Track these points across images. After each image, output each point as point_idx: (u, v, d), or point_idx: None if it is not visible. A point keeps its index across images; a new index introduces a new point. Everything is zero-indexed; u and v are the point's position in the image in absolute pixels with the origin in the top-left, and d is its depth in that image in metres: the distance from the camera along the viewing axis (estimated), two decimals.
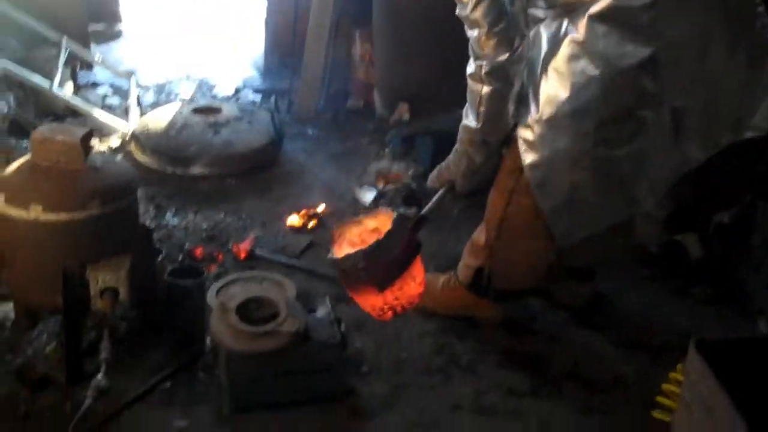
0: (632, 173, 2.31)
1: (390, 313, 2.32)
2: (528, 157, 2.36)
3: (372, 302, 2.32)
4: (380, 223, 2.41)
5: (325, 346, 2.31)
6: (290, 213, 3.35)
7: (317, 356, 2.31)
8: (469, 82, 2.42)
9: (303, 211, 3.34)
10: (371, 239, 2.29)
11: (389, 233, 2.24)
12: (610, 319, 2.85)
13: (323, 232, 3.31)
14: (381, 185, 3.61)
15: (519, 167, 2.40)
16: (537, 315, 2.86)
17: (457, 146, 2.57)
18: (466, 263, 2.69)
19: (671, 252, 3.11)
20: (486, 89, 2.35)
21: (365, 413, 2.35)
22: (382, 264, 2.22)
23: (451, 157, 2.62)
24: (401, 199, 3.52)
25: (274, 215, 3.39)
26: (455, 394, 2.46)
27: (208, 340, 2.40)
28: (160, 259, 2.70)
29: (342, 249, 2.42)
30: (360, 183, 3.67)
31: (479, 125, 2.42)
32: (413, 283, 2.32)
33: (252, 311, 2.33)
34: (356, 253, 2.23)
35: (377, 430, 2.30)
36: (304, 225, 3.30)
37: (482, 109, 2.38)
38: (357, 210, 3.40)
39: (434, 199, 2.59)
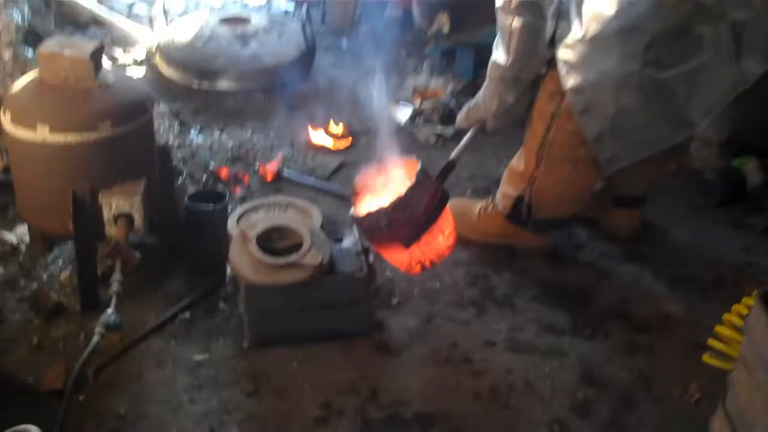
0: (685, 94, 2.15)
1: (418, 267, 2.18)
2: (570, 80, 2.18)
3: (398, 258, 2.17)
4: (406, 171, 2.23)
5: (351, 279, 2.17)
6: (317, 128, 3.16)
7: (342, 290, 2.19)
8: (499, 14, 2.22)
9: (332, 128, 3.15)
10: (396, 190, 2.12)
11: (413, 187, 2.07)
12: (660, 251, 2.66)
13: (356, 152, 3.14)
14: (417, 102, 3.40)
15: (560, 90, 2.23)
16: (582, 246, 2.68)
17: (486, 84, 2.38)
18: (505, 192, 2.53)
19: (728, 179, 2.90)
20: (517, 22, 2.16)
21: (392, 348, 2.24)
22: (407, 220, 2.06)
23: (480, 95, 2.43)
24: (438, 118, 3.32)
25: (304, 134, 3.21)
26: (489, 329, 2.33)
27: (228, 270, 2.25)
28: (180, 181, 2.54)
29: (364, 202, 2.25)
30: (396, 99, 3.45)
31: (510, 61, 2.23)
32: (442, 237, 2.18)
33: (274, 241, 2.20)
34: (378, 210, 2.07)
35: (404, 366, 2.18)
36: (334, 142, 3.10)
37: (513, 44, 2.17)
38: (392, 129, 3.19)
39: (463, 141, 2.41)
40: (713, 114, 2.23)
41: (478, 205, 2.67)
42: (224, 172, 2.91)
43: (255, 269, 2.12)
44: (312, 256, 2.12)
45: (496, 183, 2.84)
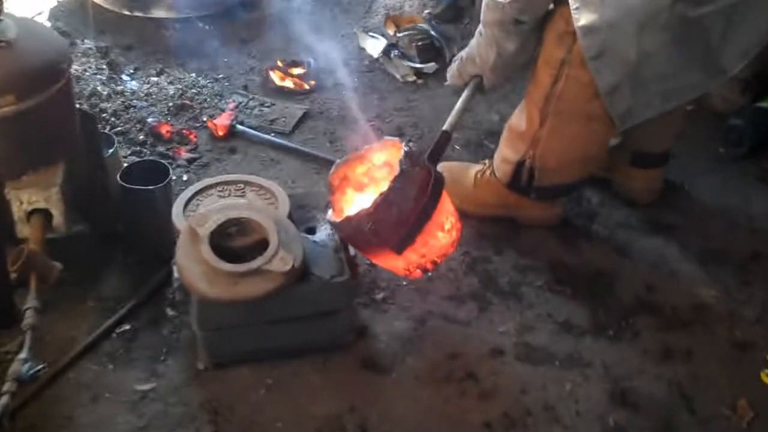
0: (720, 35, 1.83)
1: (419, 272, 1.81)
2: (582, 18, 1.80)
3: (393, 263, 1.80)
4: (390, 155, 1.83)
5: (329, 286, 1.77)
6: (275, 69, 2.66)
7: (318, 299, 1.79)
8: None
9: (290, 67, 2.66)
10: (382, 180, 1.75)
11: (398, 179, 1.67)
12: (686, 219, 2.31)
13: (321, 97, 2.67)
14: (391, 31, 2.89)
15: (572, 30, 1.83)
16: (595, 213, 2.30)
17: (480, 30, 1.99)
18: (504, 156, 2.15)
19: (757, 123, 2.52)
20: None
21: (380, 363, 1.86)
22: (395, 222, 1.68)
23: (473, 44, 2.04)
24: (416, 50, 2.82)
25: (259, 75, 2.71)
26: (494, 331, 1.97)
27: (175, 270, 1.80)
28: (111, 151, 2.05)
29: (344, 199, 1.86)
30: (364, 28, 2.93)
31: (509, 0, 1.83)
32: (442, 232, 1.79)
33: (231, 238, 1.78)
34: (358, 214, 1.68)
35: (396, 387, 1.82)
36: (295, 85, 2.63)
37: None
38: (363, 66, 2.71)
39: (458, 104, 2.00)
40: (749, 58, 1.90)
41: (474, 171, 2.27)
42: (166, 129, 2.42)
43: (209, 279, 1.70)
44: (280, 260, 1.71)
45: (490, 135, 2.47)
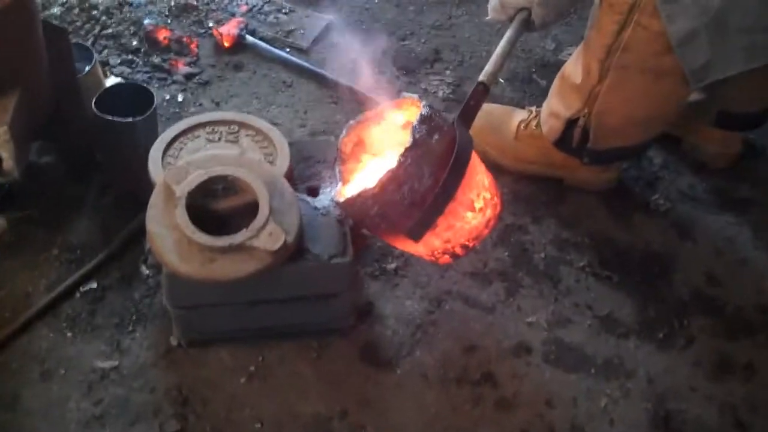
0: None
1: (446, 257, 1.50)
2: None
3: (412, 249, 1.50)
4: (410, 115, 1.50)
5: (327, 268, 1.48)
6: None
7: (314, 282, 1.51)
8: None
9: None
10: (402, 143, 1.37)
11: (410, 151, 1.35)
12: (764, 192, 1.94)
13: (350, 2, 2.30)
14: None
15: None
16: (656, 179, 1.97)
17: None
18: (553, 110, 1.82)
19: None
20: None
21: (384, 356, 1.60)
22: (408, 204, 1.36)
23: None
24: None
25: None
26: (522, 321, 1.69)
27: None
28: (89, 68, 1.73)
29: (357, 169, 1.53)
30: None
31: None
32: (472, 212, 1.46)
33: (215, 198, 1.48)
34: (361, 195, 1.37)
35: (400, 388, 1.56)
36: None
37: None
38: None
39: (498, 48, 1.62)
40: None
41: (517, 119, 1.94)
42: (163, 35, 2.08)
43: (182, 251, 1.42)
44: (269, 236, 1.42)
45: (542, 68, 2.19)
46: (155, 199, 1.47)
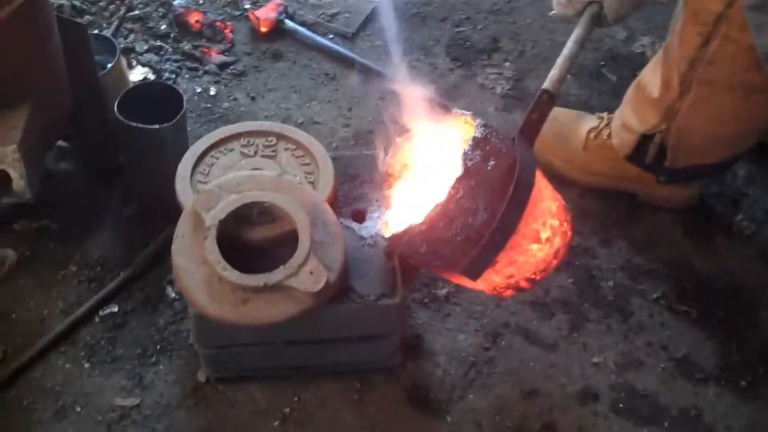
0: None
1: (510, 291, 1.33)
2: None
3: (472, 285, 1.32)
4: (465, 131, 1.30)
5: (373, 309, 1.34)
6: None
7: (358, 323, 1.37)
8: None
9: None
10: (455, 166, 1.21)
11: (461, 180, 1.19)
12: None
13: None
14: None
15: None
16: (741, 195, 1.79)
17: None
18: (626, 122, 1.65)
19: None
20: None
21: (433, 396, 1.46)
22: (462, 240, 1.20)
23: None
24: None
25: None
26: (588, 361, 1.53)
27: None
28: (112, 64, 1.57)
29: (404, 197, 1.37)
30: None
31: None
32: (538, 244, 1.28)
33: (248, 225, 1.34)
34: (408, 231, 1.22)
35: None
36: None
37: None
38: None
39: (565, 50, 1.41)
40: None
41: (586, 126, 1.76)
42: (195, 18, 1.91)
43: (212, 290, 1.28)
44: (310, 275, 1.27)
45: (612, 61, 2.01)
46: (183, 227, 1.32)
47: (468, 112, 1.31)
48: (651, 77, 1.58)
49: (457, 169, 1.19)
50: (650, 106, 1.58)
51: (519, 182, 1.20)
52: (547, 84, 1.37)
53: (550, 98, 1.36)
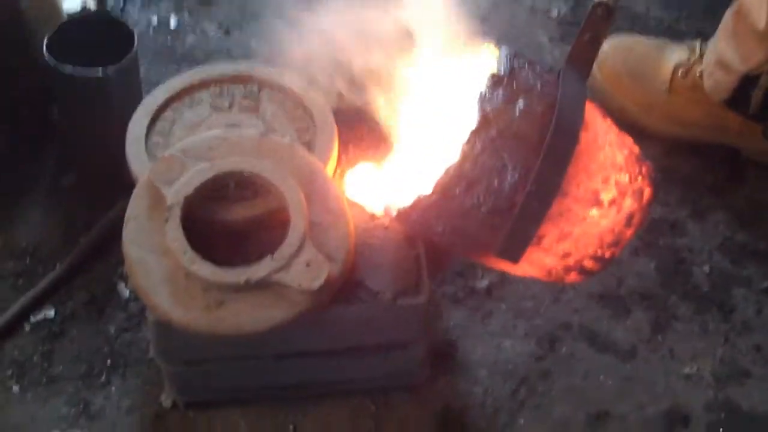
0: None
1: (573, 274, 1.33)
2: None
3: (518, 270, 1.33)
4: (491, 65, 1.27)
5: (392, 310, 1.33)
6: None
7: (372, 329, 1.37)
8: None
9: None
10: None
11: (478, 134, 1.17)
12: None
13: None
14: None
15: None
16: None
17: None
18: (722, 57, 1.69)
19: None
20: None
21: (472, 422, 1.49)
22: (488, 210, 1.19)
23: None
24: None
25: None
26: (674, 374, 1.55)
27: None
28: None
29: (413, 158, 1.36)
30: None
31: None
32: (599, 209, 1.26)
33: (223, 206, 1.34)
34: (417, 205, 1.22)
35: None
36: None
37: None
38: None
39: None
40: None
41: (672, 59, 1.80)
42: None
43: (177, 291, 1.28)
44: (307, 267, 1.26)
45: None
46: (137, 206, 1.33)
47: (490, 42, 1.29)
48: (751, 5, 1.60)
49: (473, 118, 1.18)
50: (754, 38, 1.61)
51: (559, 125, 1.18)
52: None
53: (607, 12, 1.33)
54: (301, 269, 1.25)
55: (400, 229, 1.37)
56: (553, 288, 1.60)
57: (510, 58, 1.22)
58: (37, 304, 1.54)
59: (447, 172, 1.18)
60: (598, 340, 1.57)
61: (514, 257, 1.23)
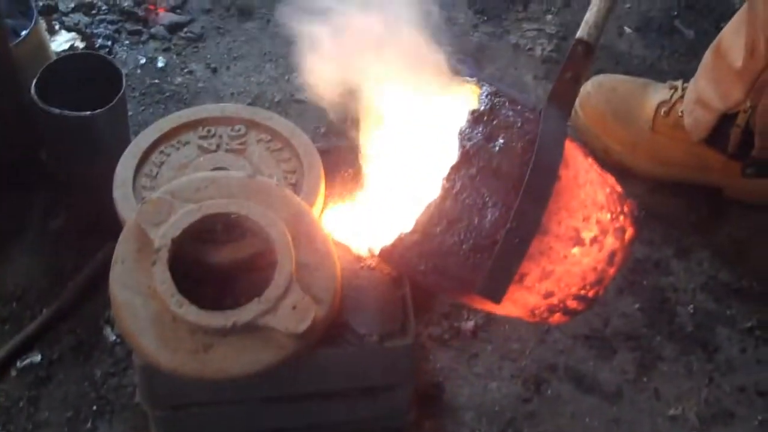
0: None
1: (558, 315, 1.33)
2: None
3: (502, 311, 1.33)
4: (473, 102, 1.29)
5: (378, 353, 1.35)
6: None
7: (357, 371, 1.38)
8: None
9: None
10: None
11: (457, 170, 1.19)
12: None
13: None
14: None
15: None
16: None
17: None
18: (702, 97, 1.72)
19: None
20: None
21: None
22: (469, 248, 1.19)
23: None
24: None
25: None
26: (659, 416, 1.55)
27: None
28: (28, 30, 1.66)
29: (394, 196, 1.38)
30: None
31: None
32: (580, 247, 1.27)
33: (210, 248, 1.34)
34: (399, 244, 1.22)
35: None
36: None
37: None
38: None
39: None
40: None
41: (655, 99, 1.82)
42: None
43: (164, 334, 1.27)
44: (294, 309, 1.27)
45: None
46: (124, 249, 1.33)
47: (472, 79, 1.30)
48: (733, 39, 1.63)
49: (454, 154, 1.19)
50: (732, 77, 1.63)
51: (538, 162, 1.19)
52: (582, 32, 1.34)
53: (588, 50, 1.34)
54: (288, 312, 1.26)
55: (386, 270, 1.38)
56: (539, 329, 1.60)
57: (491, 96, 1.23)
58: (24, 349, 1.54)
59: (427, 209, 1.18)
60: (584, 381, 1.57)
61: (496, 296, 1.23)
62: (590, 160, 1.31)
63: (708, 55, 1.70)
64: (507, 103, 1.24)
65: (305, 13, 1.39)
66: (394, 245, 1.22)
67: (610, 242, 1.31)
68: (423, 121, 1.38)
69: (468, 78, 1.33)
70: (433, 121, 1.37)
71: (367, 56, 1.43)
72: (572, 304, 1.31)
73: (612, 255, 1.31)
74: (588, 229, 1.27)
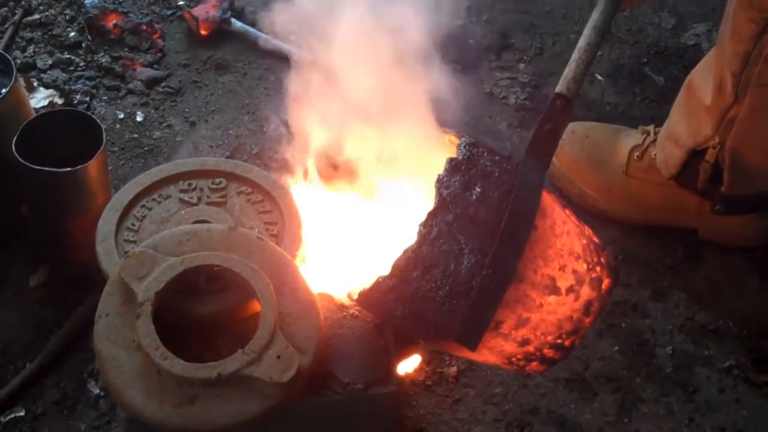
0: None
1: (535, 364, 1.35)
2: None
3: (480, 358, 1.35)
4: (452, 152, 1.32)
5: (362, 401, 1.36)
6: None
7: (343, 420, 1.40)
8: None
9: None
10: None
11: (434, 217, 1.22)
12: None
13: None
14: None
15: None
16: None
17: None
18: (673, 133, 1.77)
19: None
20: None
21: None
22: (445, 294, 1.21)
23: None
24: None
25: None
26: None
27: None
28: (7, 89, 1.65)
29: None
30: None
31: None
32: (556, 296, 1.28)
33: (194, 300, 1.36)
34: (376, 288, 1.24)
35: None
36: None
37: None
38: None
39: (582, 39, 1.41)
40: None
41: (628, 144, 1.85)
42: (113, 21, 2.00)
43: (149, 387, 1.29)
44: (278, 359, 1.29)
45: (658, 57, 2.11)
46: (107, 303, 1.36)
47: (451, 130, 1.33)
48: (703, 76, 1.66)
49: (431, 202, 1.21)
50: (701, 113, 1.66)
51: (514, 211, 1.21)
52: (561, 86, 1.39)
53: (566, 104, 1.38)
54: (272, 362, 1.28)
55: (369, 318, 1.39)
56: (521, 374, 1.61)
57: (468, 146, 1.25)
58: (7, 403, 1.54)
59: (405, 254, 1.20)
60: (566, 424, 1.59)
61: (472, 342, 1.24)
62: (568, 211, 1.33)
63: (682, 90, 1.74)
64: (485, 153, 1.26)
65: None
66: (371, 289, 1.24)
67: (587, 292, 1.32)
68: (402, 170, 1.40)
69: (447, 129, 1.36)
70: (413, 168, 1.39)
71: (346, 107, 1.46)
72: (549, 352, 1.32)
73: (588, 304, 1.33)
74: (564, 278, 1.29)
